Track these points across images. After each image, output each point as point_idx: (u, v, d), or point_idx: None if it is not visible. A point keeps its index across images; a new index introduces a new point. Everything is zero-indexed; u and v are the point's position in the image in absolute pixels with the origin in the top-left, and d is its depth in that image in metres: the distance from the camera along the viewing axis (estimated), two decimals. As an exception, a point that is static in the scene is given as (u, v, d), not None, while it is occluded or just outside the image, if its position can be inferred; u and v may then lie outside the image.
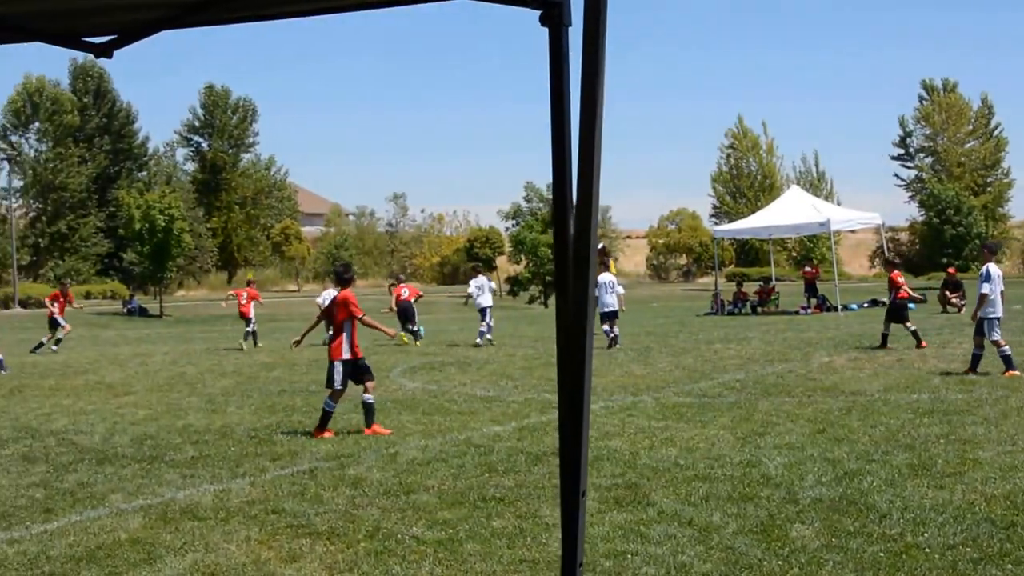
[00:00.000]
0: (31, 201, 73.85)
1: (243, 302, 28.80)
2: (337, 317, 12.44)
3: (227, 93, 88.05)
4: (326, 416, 12.26)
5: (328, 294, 21.05)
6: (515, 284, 71.45)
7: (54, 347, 27.99)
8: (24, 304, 60.43)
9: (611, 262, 28.36)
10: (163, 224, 54.35)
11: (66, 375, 20.68)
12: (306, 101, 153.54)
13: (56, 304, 28.15)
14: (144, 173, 79.52)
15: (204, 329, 43.66)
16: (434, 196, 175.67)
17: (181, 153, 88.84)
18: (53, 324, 28.08)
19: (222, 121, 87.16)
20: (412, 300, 27.63)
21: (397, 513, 8.20)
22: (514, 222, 75.42)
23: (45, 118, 72.85)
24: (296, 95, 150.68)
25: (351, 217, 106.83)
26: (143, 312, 56.90)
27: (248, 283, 31.14)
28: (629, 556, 6.81)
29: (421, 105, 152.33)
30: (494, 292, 27.84)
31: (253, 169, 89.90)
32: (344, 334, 12.31)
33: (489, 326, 26.03)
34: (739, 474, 9.24)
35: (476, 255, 78.17)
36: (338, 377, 12.20)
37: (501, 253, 79.17)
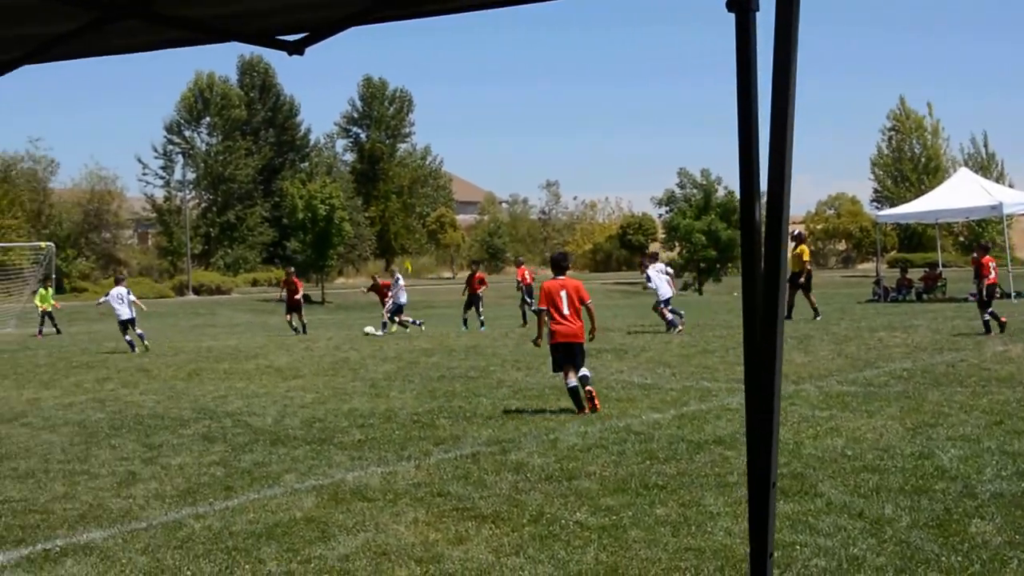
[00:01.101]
0: (202, 192, 76.80)
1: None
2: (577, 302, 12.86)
3: (384, 85, 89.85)
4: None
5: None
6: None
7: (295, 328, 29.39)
8: (197, 291, 62.93)
9: (804, 248, 28.35)
10: (324, 213, 55.84)
11: (238, 359, 21.50)
12: (460, 90, 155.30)
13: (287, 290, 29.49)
14: (306, 164, 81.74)
15: (364, 316, 44.62)
16: (587, 183, 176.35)
17: (341, 144, 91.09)
18: (296, 308, 29.13)
19: (379, 112, 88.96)
20: (532, 283, 28.32)
21: (560, 498, 8.27)
22: (667, 208, 74.72)
23: (215, 113, 75.65)
24: (451, 84, 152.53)
25: (504, 205, 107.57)
26: (306, 299, 58.35)
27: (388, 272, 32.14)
28: (798, 548, 6.73)
29: (575, 93, 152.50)
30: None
31: (409, 159, 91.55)
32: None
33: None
34: (911, 466, 9.00)
35: (629, 242, 77.90)
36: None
37: (654, 240, 78.69)
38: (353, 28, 2.72)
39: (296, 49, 2.77)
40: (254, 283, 69.08)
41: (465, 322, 29.47)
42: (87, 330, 35.01)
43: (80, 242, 68.84)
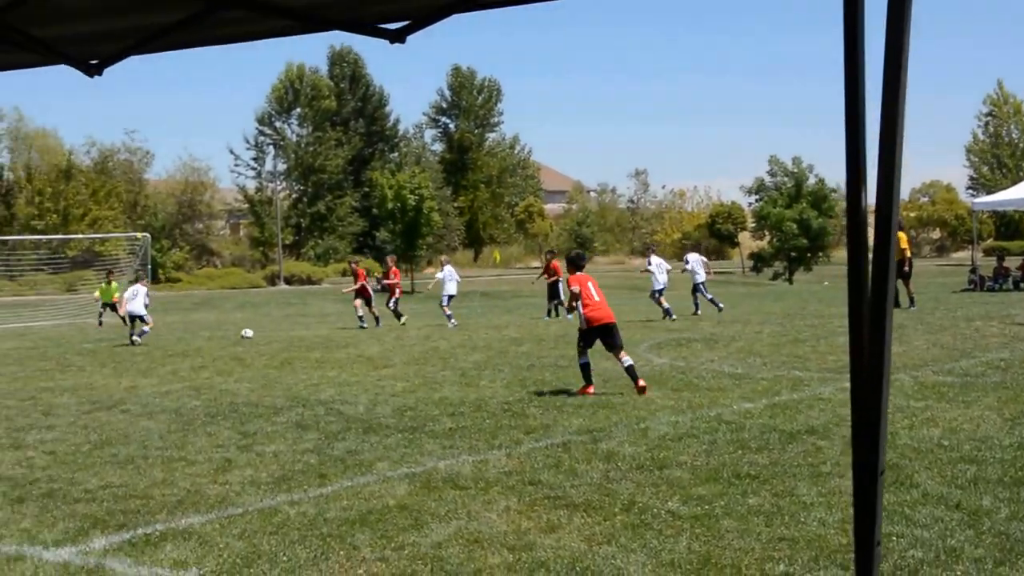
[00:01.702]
0: (293, 183, 77.81)
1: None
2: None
3: (473, 74, 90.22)
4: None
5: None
6: (758, 260, 70.15)
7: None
8: (288, 281, 63.89)
9: (902, 235, 28.11)
10: (413, 203, 56.19)
11: (330, 348, 21.78)
12: (549, 79, 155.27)
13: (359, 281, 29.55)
14: (396, 154, 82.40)
15: (453, 305, 44.86)
16: (676, 172, 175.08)
17: (429, 134, 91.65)
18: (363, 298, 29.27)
19: (468, 102, 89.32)
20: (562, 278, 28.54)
21: (651, 488, 8.26)
22: (757, 197, 73.88)
23: (305, 103, 76.57)
24: (539, 74, 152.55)
25: (592, 194, 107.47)
26: (382, 288, 58.94)
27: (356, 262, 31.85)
28: (895, 538, 6.63)
29: (663, 81, 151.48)
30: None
31: (498, 148, 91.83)
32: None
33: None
34: (1010, 457, 8.81)
35: (718, 231, 77.27)
36: None
37: (743, 229, 77.94)
38: (453, 16, 2.73)
39: (397, 37, 2.78)
40: (344, 273, 69.83)
41: (549, 312, 29.44)
42: (182, 320, 35.79)
43: (174, 233, 70.26)
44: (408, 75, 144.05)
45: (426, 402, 13.46)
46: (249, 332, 25.52)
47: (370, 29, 2.82)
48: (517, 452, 9.93)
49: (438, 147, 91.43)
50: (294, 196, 78.12)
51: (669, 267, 28.05)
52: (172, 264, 63.12)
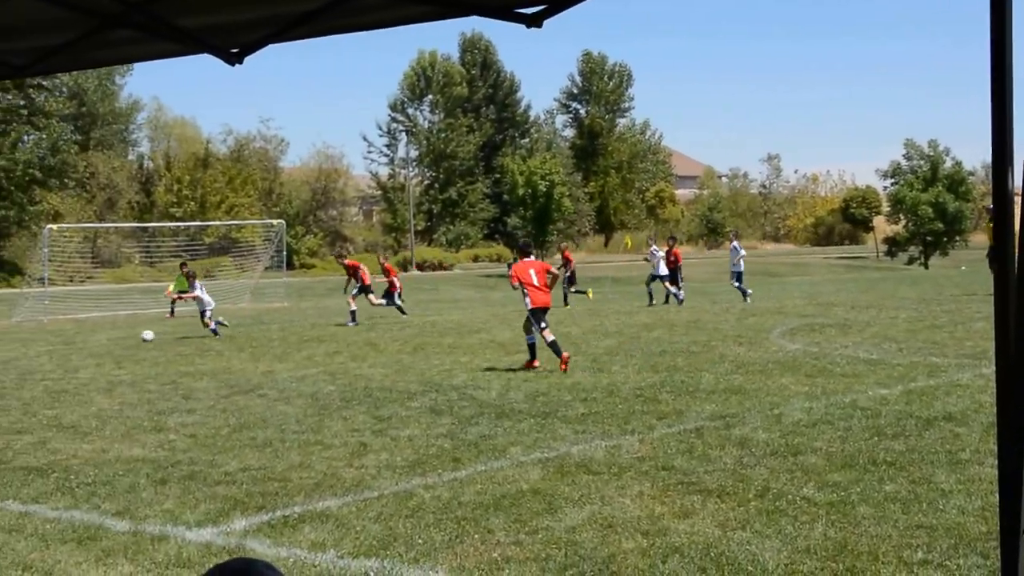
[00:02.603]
0: (425, 170, 78.70)
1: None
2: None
3: (603, 60, 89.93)
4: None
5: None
6: (893, 244, 68.73)
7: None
8: (420, 267, 64.75)
9: None
10: (544, 189, 56.37)
11: (462, 334, 22.03)
12: (679, 64, 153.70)
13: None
14: (526, 140, 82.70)
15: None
16: (809, 156, 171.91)
17: (560, 120, 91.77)
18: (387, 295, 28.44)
19: (599, 87, 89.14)
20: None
21: (786, 474, 8.15)
22: (892, 180, 72.23)
23: (437, 91, 77.38)
24: (670, 58, 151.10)
25: (724, 179, 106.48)
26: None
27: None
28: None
29: (797, 65, 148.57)
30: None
31: (629, 134, 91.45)
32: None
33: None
34: None
35: (852, 215, 75.91)
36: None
37: (878, 213, 76.46)
38: (586, 1, 2.72)
39: (534, 21, 2.76)
40: (475, 259, 70.56)
41: (667, 298, 29.19)
42: (316, 305, 36.59)
43: (308, 219, 71.73)
44: (539, 61, 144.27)
45: (558, 387, 13.50)
46: (149, 334, 23.65)
47: (507, 13, 2.82)
48: (650, 437, 9.91)
49: (569, 133, 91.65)
50: (426, 182, 79.03)
51: (742, 252, 29.84)
52: (306, 250, 64.56)
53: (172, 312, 32.57)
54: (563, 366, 15.04)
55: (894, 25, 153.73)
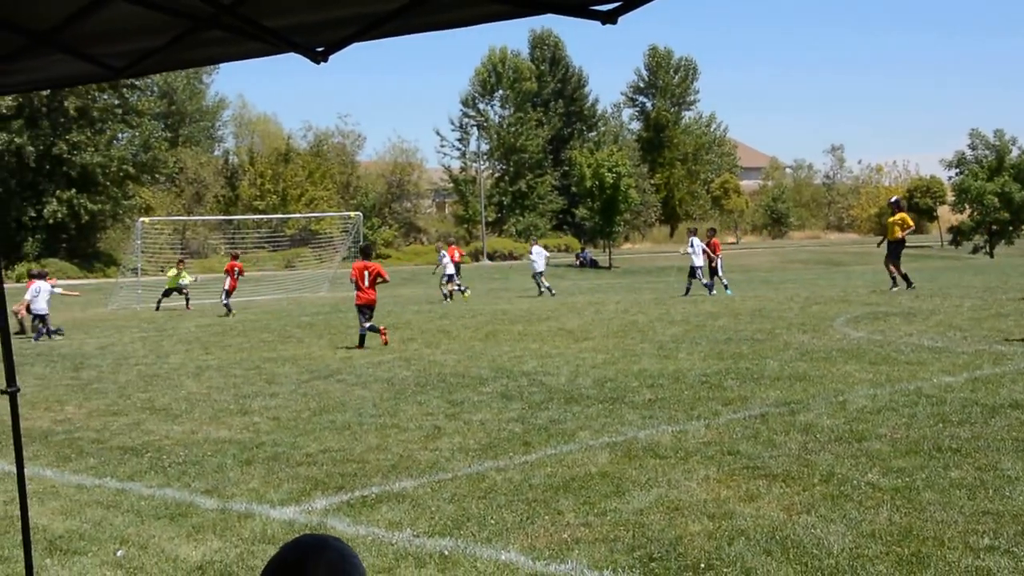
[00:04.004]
0: (495, 163, 79.13)
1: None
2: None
3: (669, 54, 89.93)
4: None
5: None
6: (957, 234, 67.98)
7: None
8: (491, 257, 65.03)
9: (904, 215, 27.11)
10: (611, 181, 56.34)
11: (531, 321, 22.23)
12: (745, 57, 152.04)
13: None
14: (594, 133, 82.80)
15: (650, 279, 44.92)
16: (873, 147, 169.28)
17: (627, 113, 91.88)
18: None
19: (665, 81, 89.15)
20: (459, 261, 33.25)
21: (850, 459, 8.25)
22: (957, 171, 71.30)
23: (507, 86, 77.74)
24: (735, 51, 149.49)
25: (788, 170, 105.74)
26: (593, 264, 59.47)
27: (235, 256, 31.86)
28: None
29: (859, 56, 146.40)
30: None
31: (694, 126, 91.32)
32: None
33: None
34: None
35: (916, 205, 75.13)
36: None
37: (943, 203, 75.62)
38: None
39: (609, 18, 2.78)
40: (545, 248, 70.79)
41: (709, 288, 29.10)
42: (391, 294, 36.84)
43: (384, 211, 72.61)
44: (606, 56, 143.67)
45: (625, 374, 13.67)
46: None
47: (583, 11, 2.83)
48: (715, 423, 10.06)
49: (635, 126, 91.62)
50: (496, 175, 79.37)
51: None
52: (382, 241, 65.13)
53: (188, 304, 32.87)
54: (384, 337, 18.51)
55: (959, 14, 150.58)
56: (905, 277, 26.07)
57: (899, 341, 15.75)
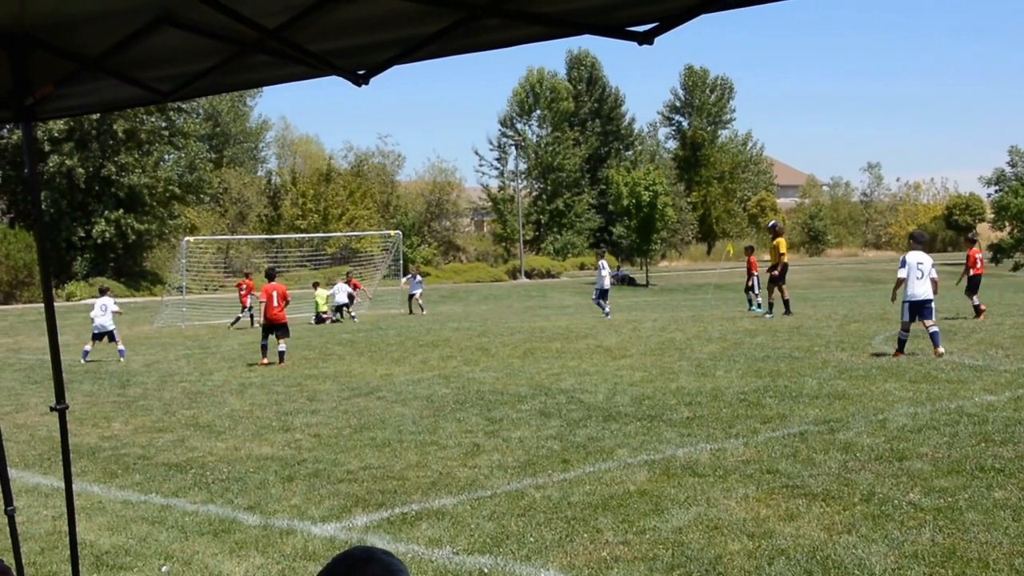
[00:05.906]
0: (533, 182, 79.56)
1: (242, 292, 31.78)
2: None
3: (705, 73, 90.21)
4: None
5: None
6: (997, 251, 67.43)
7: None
8: (529, 275, 65.19)
9: (781, 240, 26.70)
10: (648, 200, 56.46)
11: (569, 339, 22.23)
12: (781, 76, 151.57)
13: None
14: (630, 152, 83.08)
15: (687, 297, 44.81)
16: (910, 165, 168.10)
17: (663, 132, 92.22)
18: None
19: (701, 100, 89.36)
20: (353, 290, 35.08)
21: (891, 479, 8.19)
22: (996, 188, 70.82)
23: (545, 106, 78.23)
24: (771, 70, 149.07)
25: (825, 188, 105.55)
26: (631, 281, 59.46)
27: (247, 275, 34.10)
28: None
29: (896, 73, 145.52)
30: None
31: (731, 144, 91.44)
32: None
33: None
34: None
35: (955, 223, 74.68)
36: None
37: (982, 220, 75.11)
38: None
39: (646, 39, 2.81)
40: (582, 267, 70.71)
41: (749, 303, 28.98)
42: (431, 312, 37.03)
43: (423, 230, 73.19)
44: (643, 76, 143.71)
45: (663, 392, 13.65)
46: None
47: (620, 32, 2.87)
48: (754, 441, 10.02)
49: (672, 144, 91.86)
50: (534, 194, 79.73)
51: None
52: (421, 259, 65.50)
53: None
54: (263, 362, 19.57)
55: (1000, 32, 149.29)
56: (786, 303, 26.02)
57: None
